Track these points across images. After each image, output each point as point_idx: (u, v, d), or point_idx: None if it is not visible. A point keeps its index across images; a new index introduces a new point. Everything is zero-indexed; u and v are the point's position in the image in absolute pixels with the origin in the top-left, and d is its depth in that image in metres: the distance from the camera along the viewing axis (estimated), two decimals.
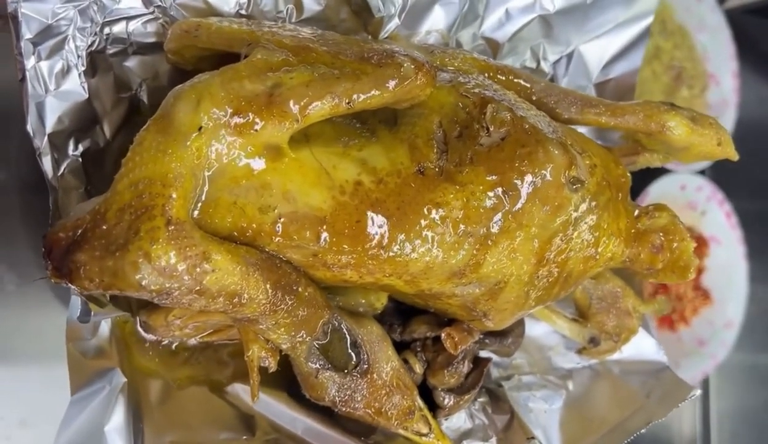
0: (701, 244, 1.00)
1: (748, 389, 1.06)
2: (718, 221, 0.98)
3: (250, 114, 0.46)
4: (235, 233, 0.48)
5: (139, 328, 0.56)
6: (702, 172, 0.97)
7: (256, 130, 0.46)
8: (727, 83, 0.99)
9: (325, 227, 0.48)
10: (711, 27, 0.98)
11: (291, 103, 0.46)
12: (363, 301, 0.60)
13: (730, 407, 1.03)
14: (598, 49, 0.72)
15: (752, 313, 0.99)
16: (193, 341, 0.59)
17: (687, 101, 1.00)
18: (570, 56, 0.72)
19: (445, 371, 0.61)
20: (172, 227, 0.44)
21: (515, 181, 0.51)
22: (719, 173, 0.96)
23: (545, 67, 0.72)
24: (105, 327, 0.54)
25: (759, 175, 1.04)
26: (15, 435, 0.58)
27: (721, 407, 1.01)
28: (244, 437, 0.58)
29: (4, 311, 0.60)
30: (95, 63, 0.54)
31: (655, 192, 0.92)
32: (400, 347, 0.62)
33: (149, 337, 0.57)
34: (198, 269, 0.44)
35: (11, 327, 0.60)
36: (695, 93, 1.00)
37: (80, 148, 0.54)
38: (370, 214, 0.49)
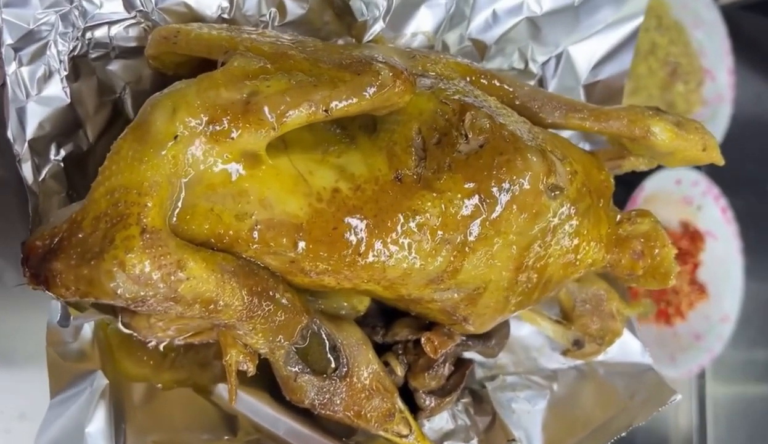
0: (697, 238, 1.00)
1: (744, 383, 1.06)
2: (714, 216, 0.99)
3: (225, 122, 0.46)
4: (212, 240, 0.48)
5: (123, 327, 0.57)
6: (698, 167, 0.97)
7: (232, 138, 0.46)
8: (722, 79, 0.99)
9: (302, 234, 0.49)
10: (707, 23, 0.98)
11: (267, 110, 0.47)
12: (345, 303, 0.60)
13: (726, 401, 1.04)
14: (587, 50, 0.71)
15: (747, 308, 0.99)
16: (178, 341, 0.60)
17: (683, 96, 1.00)
18: (559, 57, 0.72)
19: (426, 374, 0.61)
20: (147, 236, 0.44)
21: (493, 188, 0.51)
22: (715, 168, 0.95)
23: (534, 68, 0.71)
24: (88, 330, 0.55)
25: (754, 170, 1.04)
26: (14, 428, 0.59)
27: (717, 400, 1.02)
28: (226, 437, 0.59)
29: (5, 307, 0.60)
30: (78, 67, 0.55)
31: (651, 187, 0.92)
32: (383, 349, 0.63)
33: (134, 335, 0.58)
34: (173, 277, 0.45)
35: (12, 322, 0.61)
36: (691, 88, 1.00)
37: (62, 152, 0.54)
38: (347, 221, 0.49)
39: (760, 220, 1.04)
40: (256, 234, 0.48)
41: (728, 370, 1.03)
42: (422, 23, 0.65)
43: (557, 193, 0.53)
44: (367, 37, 0.63)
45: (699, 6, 0.98)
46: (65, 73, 0.53)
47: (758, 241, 1.01)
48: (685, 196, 0.98)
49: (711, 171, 0.97)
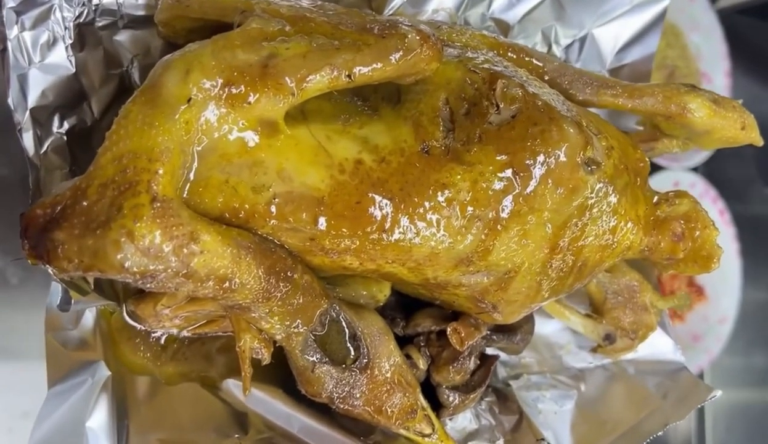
0: None
1: (743, 386, 1.07)
2: (712, 218, 0.97)
3: (242, 86, 0.43)
4: (227, 214, 0.45)
5: (127, 317, 0.53)
6: (695, 169, 0.97)
7: (249, 104, 0.43)
8: (719, 82, 0.99)
9: (323, 208, 0.45)
10: (703, 26, 0.99)
11: (287, 75, 0.43)
12: (364, 292, 0.56)
13: (725, 403, 1.03)
14: (612, 32, 0.68)
15: (745, 311, 1.00)
16: (184, 333, 0.56)
17: None
18: (583, 40, 0.69)
19: (450, 367, 0.57)
20: (158, 204, 0.40)
21: (527, 161, 0.47)
22: (712, 171, 0.97)
23: (557, 50, 0.68)
24: (89, 317, 0.51)
25: (751, 172, 1.05)
26: (17, 426, 0.57)
27: (716, 404, 1.01)
28: (236, 436, 0.55)
29: (7, 305, 0.59)
30: (83, 36, 0.52)
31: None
32: (403, 342, 0.59)
33: (138, 327, 0.54)
34: (185, 250, 0.41)
35: (14, 320, 0.59)
36: None
37: (65, 125, 0.51)
38: (371, 194, 0.46)
39: (757, 223, 1.05)
40: (273, 208, 0.45)
41: (726, 373, 1.04)
42: (443, 0, 0.62)
43: (594, 167, 0.50)
44: (387, 12, 0.60)
45: (695, 9, 0.99)
46: (70, 41, 0.50)
47: (756, 244, 1.01)
48: None
49: (708, 173, 0.97)
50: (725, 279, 0.99)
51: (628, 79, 0.70)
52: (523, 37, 0.67)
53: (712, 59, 0.99)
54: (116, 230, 0.39)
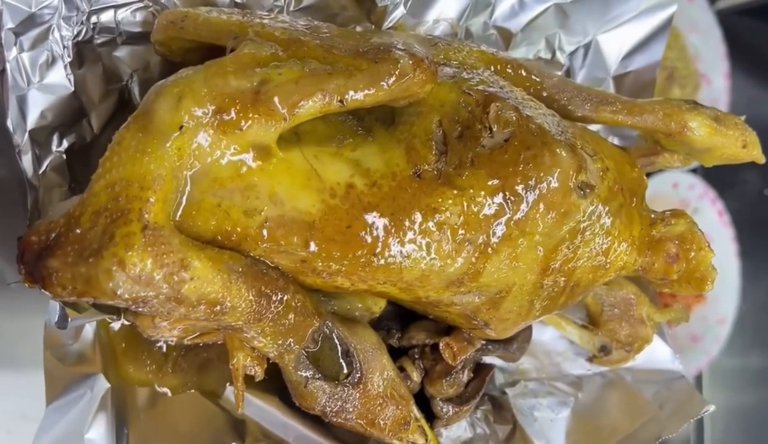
0: None
1: (741, 387, 1.07)
2: (711, 219, 0.98)
3: (234, 112, 0.43)
4: (219, 237, 0.45)
5: (127, 323, 0.54)
6: (694, 170, 0.97)
7: (241, 130, 0.44)
8: (718, 83, 0.99)
9: (313, 233, 0.46)
10: (702, 27, 0.98)
11: (278, 100, 0.44)
12: (360, 305, 0.57)
13: (723, 404, 1.04)
14: (617, 39, 0.68)
15: (744, 312, 0.99)
16: (187, 341, 0.57)
17: None
18: (587, 47, 0.68)
19: (444, 381, 0.58)
20: (149, 233, 0.41)
21: (518, 186, 0.47)
22: (711, 171, 0.97)
23: (561, 58, 0.68)
24: (89, 330, 0.52)
25: (750, 173, 1.04)
26: (16, 428, 0.58)
27: (715, 405, 1.00)
28: (233, 443, 0.56)
29: (6, 308, 0.59)
30: (82, 54, 0.52)
31: (647, 190, 0.91)
32: (398, 353, 0.60)
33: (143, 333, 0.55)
34: (176, 277, 0.42)
35: (12, 322, 0.60)
36: (687, 93, 0.99)
37: (65, 143, 0.52)
38: (361, 219, 0.46)
39: (756, 224, 1.04)
40: (265, 232, 0.46)
41: (725, 374, 1.04)
42: (445, 9, 0.62)
43: (587, 191, 0.50)
44: (387, 23, 0.60)
45: (694, 10, 0.98)
46: (69, 59, 0.51)
47: (754, 245, 1.01)
48: (682, 199, 0.97)
49: (707, 174, 0.97)
50: (724, 280, 0.98)
51: (632, 86, 0.70)
52: (527, 45, 0.66)
53: (711, 60, 0.98)
54: (108, 259, 0.40)
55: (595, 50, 0.68)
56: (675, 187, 0.95)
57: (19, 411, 0.58)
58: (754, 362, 1.07)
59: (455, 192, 0.47)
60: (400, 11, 0.59)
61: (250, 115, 0.43)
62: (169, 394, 0.55)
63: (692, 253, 0.54)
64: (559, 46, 0.67)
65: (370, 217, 0.46)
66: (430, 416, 0.60)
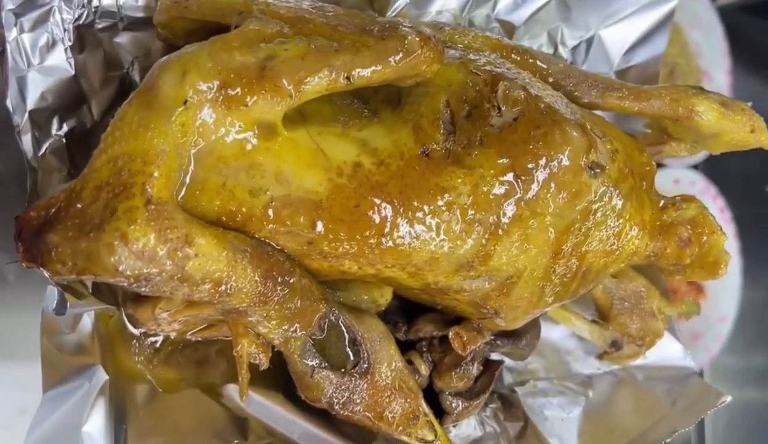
0: None
1: (742, 384, 1.05)
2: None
3: (239, 88, 0.42)
4: (224, 218, 0.44)
5: (126, 321, 0.53)
6: (695, 167, 0.96)
7: (246, 106, 0.43)
8: (719, 80, 0.98)
9: (320, 212, 0.45)
10: (704, 24, 0.98)
11: (284, 76, 0.43)
12: (365, 296, 0.56)
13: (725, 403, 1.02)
14: (619, 33, 0.68)
15: (745, 309, 0.98)
16: (188, 336, 0.55)
17: None
18: (590, 41, 0.68)
19: (453, 373, 0.56)
20: (152, 207, 0.40)
21: (529, 164, 0.47)
22: (712, 168, 0.96)
23: (563, 52, 0.67)
24: (87, 321, 0.51)
25: (752, 170, 1.04)
26: (14, 424, 0.57)
27: None
28: (236, 441, 0.54)
29: (4, 302, 0.59)
30: (83, 38, 0.51)
31: None
32: (405, 347, 0.58)
33: (136, 331, 0.53)
34: (180, 253, 0.40)
35: (11, 317, 0.59)
36: None
37: (65, 127, 0.51)
38: (369, 198, 0.45)
39: (757, 221, 1.02)
40: (270, 212, 0.44)
41: (726, 372, 1.02)
42: (447, 0, 0.61)
43: (599, 171, 0.49)
44: (390, 13, 0.59)
45: (696, 7, 0.98)
46: (69, 43, 0.50)
47: (756, 242, 0.99)
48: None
49: (709, 170, 0.96)
50: (725, 277, 0.96)
51: (635, 80, 0.69)
52: (529, 38, 0.66)
53: (713, 57, 0.98)
54: (110, 233, 0.39)
55: (597, 44, 0.68)
56: (676, 184, 0.94)
57: (18, 406, 0.56)
58: (756, 360, 1.06)
59: (464, 171, 0.47)
60: (403, 1, 0.59)
61: (256, 90, 0.43)
62: (164, 392, 0.53)
63: (704, 237, 0.53)
64: (562, 40, 0.67)
65: (378, 196, 0.45)
66: (439, 413, 0.58)
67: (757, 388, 1.06)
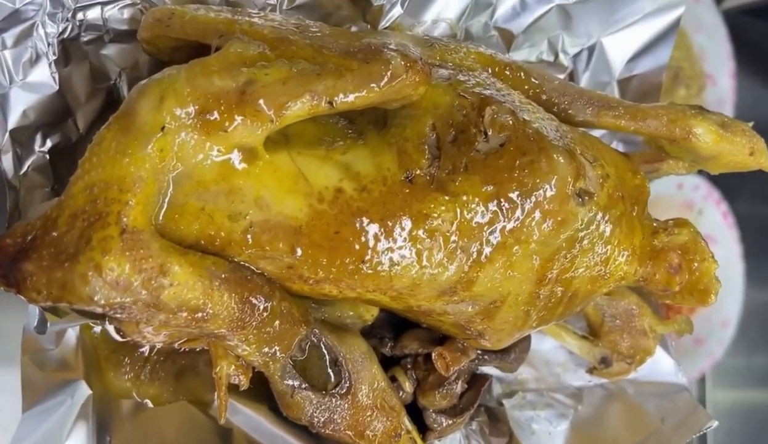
0: None
1: (744, 387, 1.06)
2: (715, 220, 0.97)
3: (218, 113, 0.42)
4: (203, 242, 0.44)
5: (113, 331, 0.53)
6: (699, 171, 0.94)
7: (226, 131, 0.42)
8: (724, 83, 0.98)
9: (300, 238, 0.44)
10: (708, 27, 0.97)
11: (265, 101, 0.42)
12: (351, 312, 0.56)
13: (727, 405, 1.03)
14: (622, 42, 0.66)
15: (748, 314, 0.98)
16: (176, 346, 0.56)
17: (684, 101, 0.99)
18: (591, 50, 0.66)
19: (437, 392, 0.56)
20: (127, 236, 0.40)
21: (514, 193, 0.46)
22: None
23: (564, 60, 0.66)
24: (72, 335, 0.51)
25: (755, 174, 1.02)
26: (13, 426, 0.56)
27: (718, 405, 1.01)
28: None
29: (3, 305, 0.58)
30: (68, 51, 0.51)
31: (652, 191, 0.89)
32: (391, 362, 0.58)
33: (123, 339, 0.54)
34: (154, 283, 0.40)
35: (4, 321, 0.58)
36: (692, 93, 0.98)
37: (48, 143, 0.50)
38: (350, 225, 0.45)
39: (761, 225, 1.03)
40: (250, 237, 0.44)
41: (729, 375, 1.03)
42: (444, 9, 0.60)
43: (586, 198, 0.48)
44: (384, 23, 0.58)
45: (700, 10, 0.97)
46: (54, 57, 0.50)
47: (759, 246, 1.00)
48: (687, 201, 0.97)
49: (712, 175, 0.95)
50: (728, 281, 0.96)
51: (637, 90, 0.68)
52: (529, 47, 0.64)
53: (717, 60, 0.97)
54: (84, 263, 0.39)
55: (599, 53, 0.66)
56: (679, 188, 0.94)
57: (16, 409, 0.56)
58: (758, 363, 1.06)
59: (448, 198, 0.46)
60: (397, 10, 0.58)
61: (235, 116, 0.42)
62: (150, 404, 0.53)
63: (695, 264, 0.52)
64: (563, 48, 0.65)
65: (359, 223, 0.45)
66: (423, 428, 0.58)
67: (759, 390, 1.07)
